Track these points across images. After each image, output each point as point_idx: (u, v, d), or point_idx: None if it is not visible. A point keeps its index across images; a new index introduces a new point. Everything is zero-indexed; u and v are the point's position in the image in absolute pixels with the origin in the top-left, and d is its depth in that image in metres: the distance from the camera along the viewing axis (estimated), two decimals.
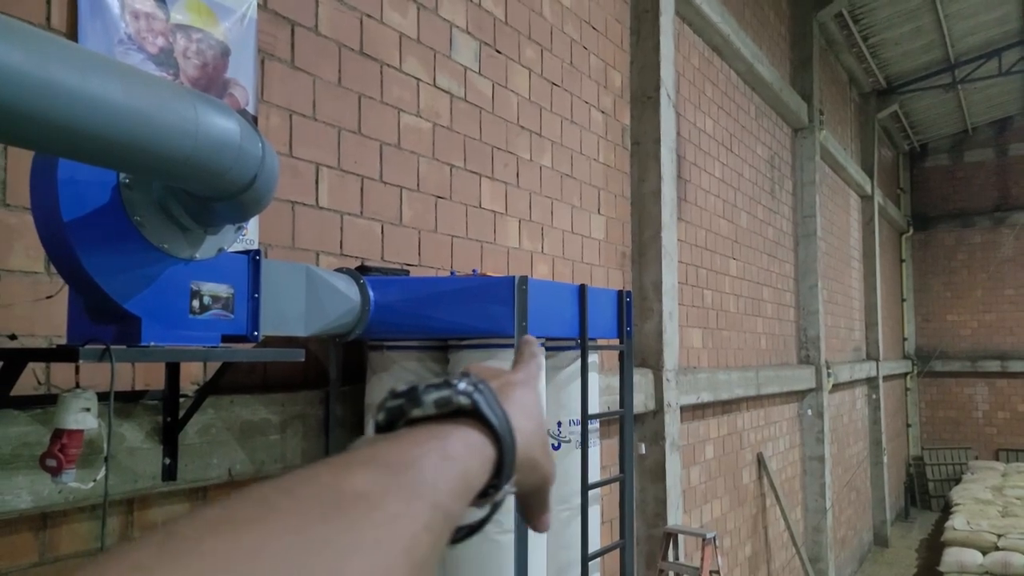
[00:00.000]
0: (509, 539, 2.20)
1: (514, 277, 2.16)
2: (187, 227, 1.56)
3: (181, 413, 2.01)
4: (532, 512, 0.59)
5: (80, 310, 1.59)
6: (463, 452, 0.47)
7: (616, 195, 4.64)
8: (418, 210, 3.06)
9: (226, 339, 1.73)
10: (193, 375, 2.21)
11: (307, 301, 2.00)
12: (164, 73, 2.04)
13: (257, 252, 1.78)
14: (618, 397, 3.72)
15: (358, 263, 2.63)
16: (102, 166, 1.31)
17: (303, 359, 1.86)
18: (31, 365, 1.72)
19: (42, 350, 1.68)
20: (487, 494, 0.50)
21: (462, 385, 0.50)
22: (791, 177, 8.30)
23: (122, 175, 1.45)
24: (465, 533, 0.52)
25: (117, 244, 1.45)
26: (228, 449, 2.18)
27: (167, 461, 2.01)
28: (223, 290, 1.70)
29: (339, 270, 2.24)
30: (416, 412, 0.49)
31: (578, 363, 2.62)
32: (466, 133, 3.35)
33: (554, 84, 4.02)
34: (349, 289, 2.13)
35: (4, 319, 1.76)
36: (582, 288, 2.51)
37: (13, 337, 1.75)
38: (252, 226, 2.31)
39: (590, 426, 2.61)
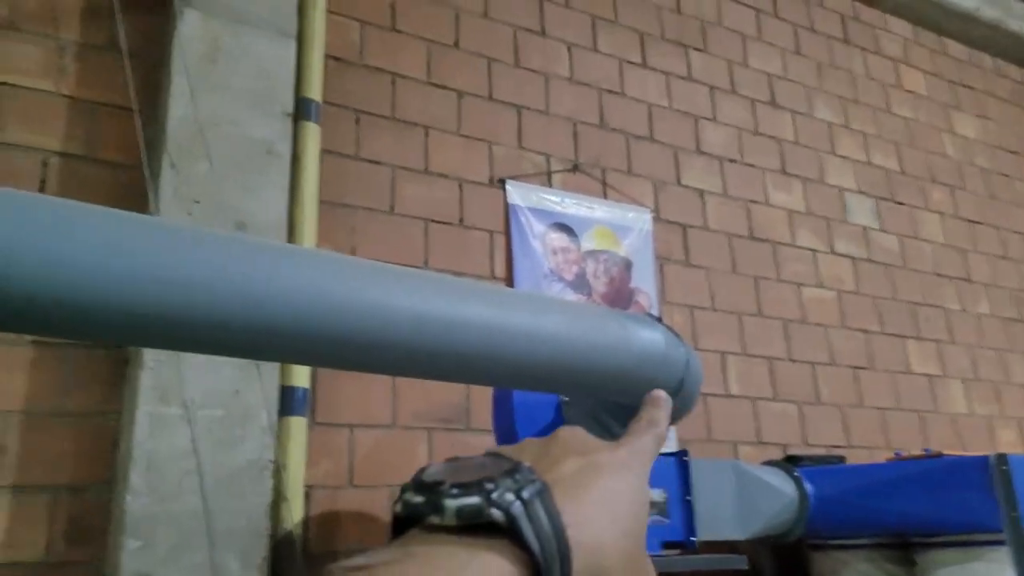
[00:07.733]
0: None
1: (987, 457, 1.77)
2: (617, 434, 1.62)
3: None
4: None
5: None
6: None
7: None
8: (836, 385, 2.81)
9: (664, 546, 1.69)
10: None
11: (739, 500, 1.89)
12: (580, 294, 2.28)
13: (684, 453, 1.76)
14: None
15: (779, 450, 2.46)
16: (552, 392, 1.46)
17: (747, 567, 1.72)
18: None
19: None
20: None
21: (498, 492, 0.36)
22: None
23: None
24: None
25: None
26: None
27: None
28: (658, 495, 1.69)
29: (767, 463, 2.10)
30: (434, 519, 0.37)
31: None
32: (875, 294, 3.06)
33: (973, 223, 3.52)
34: (783, 484, 1.97)
35: None
36: None
37: None
38: None
39: None
